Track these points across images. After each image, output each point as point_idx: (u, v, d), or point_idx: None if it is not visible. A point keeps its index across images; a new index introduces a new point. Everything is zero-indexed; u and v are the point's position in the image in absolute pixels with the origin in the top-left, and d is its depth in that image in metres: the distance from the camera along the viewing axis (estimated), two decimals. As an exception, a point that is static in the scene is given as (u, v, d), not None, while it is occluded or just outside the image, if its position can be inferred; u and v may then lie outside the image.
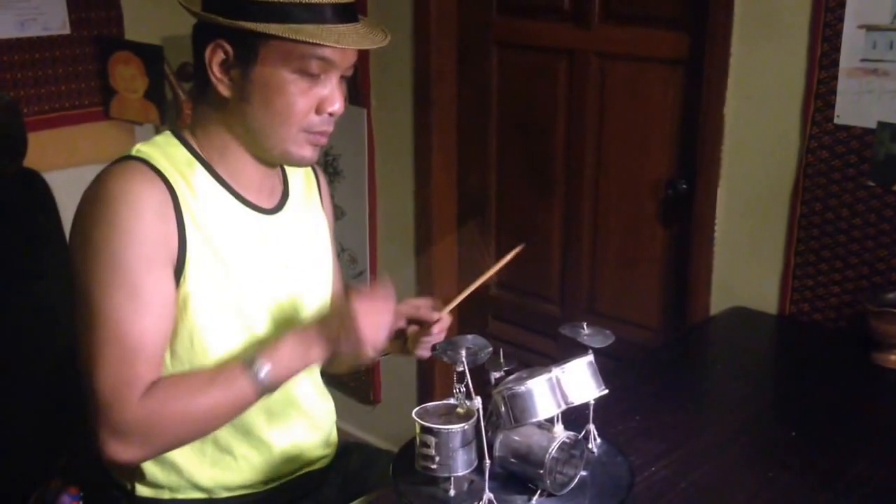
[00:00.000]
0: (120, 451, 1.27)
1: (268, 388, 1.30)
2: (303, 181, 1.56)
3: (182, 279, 1.32)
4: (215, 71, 1.32)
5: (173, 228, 1.31)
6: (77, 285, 1.30)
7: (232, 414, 1.33)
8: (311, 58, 1.29)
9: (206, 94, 1.36)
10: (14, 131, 2.22)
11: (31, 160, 2.33)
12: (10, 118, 2.20)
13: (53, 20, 2.82)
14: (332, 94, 1.34)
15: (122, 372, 1.26)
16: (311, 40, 1.26)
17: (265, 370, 1.28)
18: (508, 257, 1.51)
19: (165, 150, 1.36)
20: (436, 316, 1.49)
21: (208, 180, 1.37)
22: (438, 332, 1.51)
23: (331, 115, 1.34)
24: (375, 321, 1.29)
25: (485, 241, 1.62)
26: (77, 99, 2.92)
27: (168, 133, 1.41)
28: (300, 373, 1.35)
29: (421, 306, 1.51)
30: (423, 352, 1.53)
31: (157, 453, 1.34)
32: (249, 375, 1.28)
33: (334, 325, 1.30)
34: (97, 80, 2.94)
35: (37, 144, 2.46)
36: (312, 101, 1.32)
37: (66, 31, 2.85)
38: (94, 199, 1.30)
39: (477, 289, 1.51)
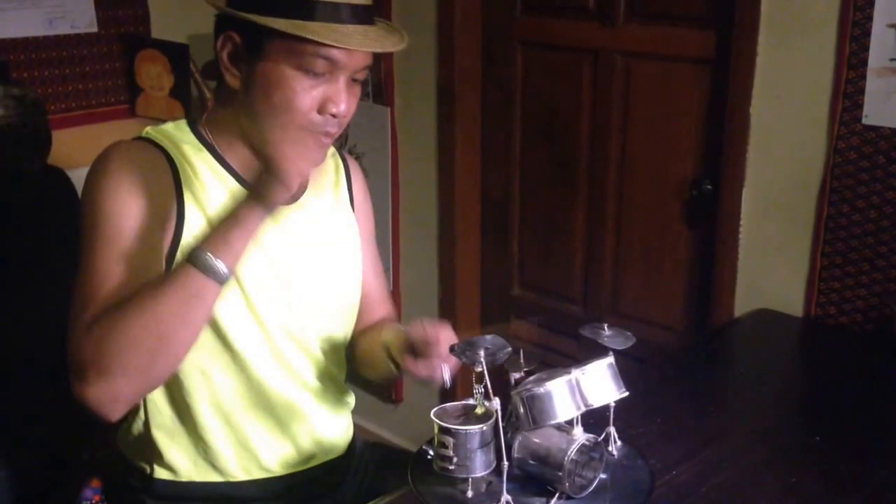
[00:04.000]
0: (83, 390, 1.22)
1: (222, 275, 1.23)
2: (331, 175, 1.55)
3: (179, 254, 1.31)
4: (225, 61, 1.33)
5: (171, 202, 1.32)
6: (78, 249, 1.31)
7: (187, 313, 1.24)
8: (315, 56, 1.27)
9: (221, 84, 1.38)
10: (39, 129, 2.24)
11: (57, 157, 2.35)
12: (35, 115, 2.22)
13: (81, 18, 2.84)
14: (336, 95, 1.31)
15: (88, 314, 1.25)
16: (310, 37, 1.24)
17: (220, 261, 1.23)
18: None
19: (174, 136, 1.38)
20: (435, 339, 1.31)
21: (215, 167, 1.38)
22: (438, 360, 1.32)
23: (333, 116, 1.32)
24: (293, 150, 1.20)
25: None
26: (104, 97, 2.94)
27: (182, 121, 1.42)
28: (248, 240, 1.26)
29: (430, 331, 1.32)
30: (423, 376, 1.35)
31: (118, 381, 1.23)
32: (205, 271, 1.22)
33: (259, 181, 1.24)
34: (124, 78, 2.97)
35: (63, 142, 2.49)
36: (315, 101, 1.30)
37: (94, 29, 2.87)
38: (94, 169, 1.33)
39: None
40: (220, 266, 1.23)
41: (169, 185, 1.32)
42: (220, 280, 1.24)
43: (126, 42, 2.94)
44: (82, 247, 1.30)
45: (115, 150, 1.33)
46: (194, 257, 1.24)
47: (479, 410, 1.18)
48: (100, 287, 1.27)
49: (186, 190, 1.33)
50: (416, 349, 1.33)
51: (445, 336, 1.31)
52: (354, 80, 1.34)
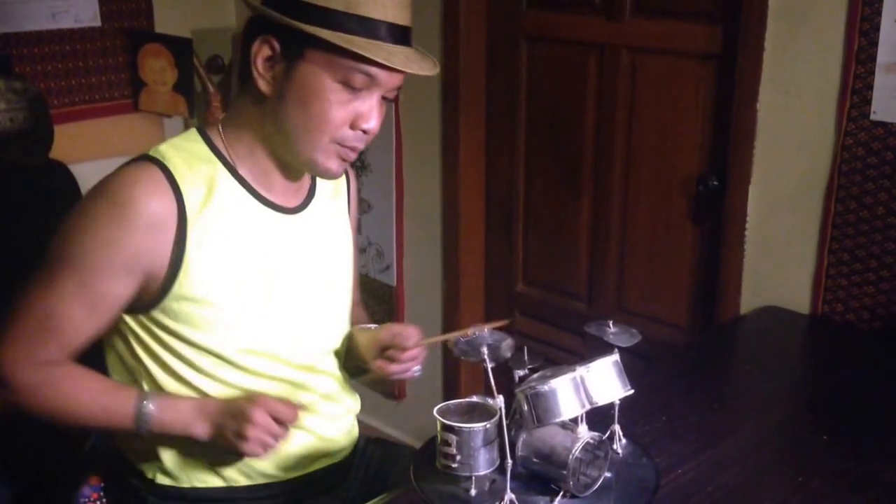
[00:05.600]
0: None
1: (143, 425, 1.33)
2: (332, 182, 1.55)
3: (177, 284, 1.31)
4: (259, 66, 1.31)
5: (166, 240, 1.30)
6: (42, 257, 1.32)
7: (101, 426, 1.41)
8: (356, 71, 1.27)
9: (245, 89, 1.36)
10: (41, 123, 2.23)
11: (60, 152, 2.34)
12: (37, 110, 2.21)
13: (85, 12, 2.84)
14: (369, 112, 1.31)
15: (28, 348, 1.31)
16: (359, 52, 1.24)
17: (150, 409, 1.32)
18: (494, 324, 1.47)
19: (185, 150, 1.35)
20: (410, 343, 1.42)
21: (227, 179, 1.36)
22: (409, 361, 1.44)
23: (364, 132, 1.33)
24: (266, 430, 1.29)
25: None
26: (107, 91, 2.94)
27: (193, 130, 1.40)
28: (177, 433, 1.36)
29: (398, 334, 1.45)
30: (396, 374, 1.46)
31: (16, 410, 1.36)
32: (136, 404, 1.33)
33: (229, 414, 1.32)
34: (127, 73, 2.96)
35: (66, 136, 2.48)
36: (349, 115, 1.31)
37: (97, 23, 2.86)
38: (94, 193, 1.32)
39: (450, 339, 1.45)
40: (147, 423, 1.34)
41: (169, 220, 1.30)
42: (139, 427, 1.34)
43: (129, 36, 2.94)
44: (45, 265, 1.31)
45: (116, 190, 1.29)
46: (140, 404, 1.33)
47: (482, 408, 1.17)
48: (54, 334, 1.31)
49: (191, 218, 1.31)
50: (387, 353, 1.43)
51: (414, 337, 1.43)
52: (385, 98, 1.35)
